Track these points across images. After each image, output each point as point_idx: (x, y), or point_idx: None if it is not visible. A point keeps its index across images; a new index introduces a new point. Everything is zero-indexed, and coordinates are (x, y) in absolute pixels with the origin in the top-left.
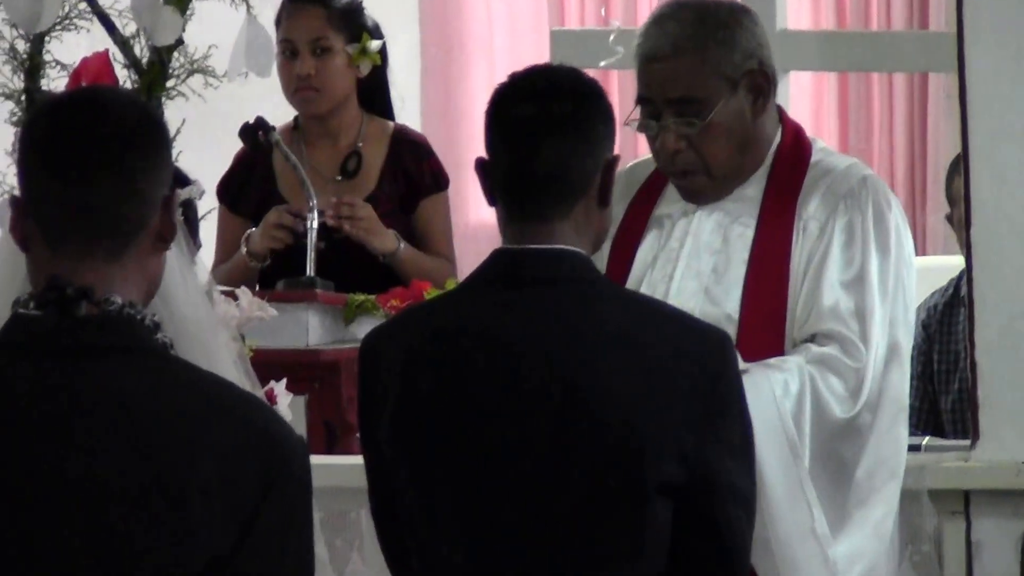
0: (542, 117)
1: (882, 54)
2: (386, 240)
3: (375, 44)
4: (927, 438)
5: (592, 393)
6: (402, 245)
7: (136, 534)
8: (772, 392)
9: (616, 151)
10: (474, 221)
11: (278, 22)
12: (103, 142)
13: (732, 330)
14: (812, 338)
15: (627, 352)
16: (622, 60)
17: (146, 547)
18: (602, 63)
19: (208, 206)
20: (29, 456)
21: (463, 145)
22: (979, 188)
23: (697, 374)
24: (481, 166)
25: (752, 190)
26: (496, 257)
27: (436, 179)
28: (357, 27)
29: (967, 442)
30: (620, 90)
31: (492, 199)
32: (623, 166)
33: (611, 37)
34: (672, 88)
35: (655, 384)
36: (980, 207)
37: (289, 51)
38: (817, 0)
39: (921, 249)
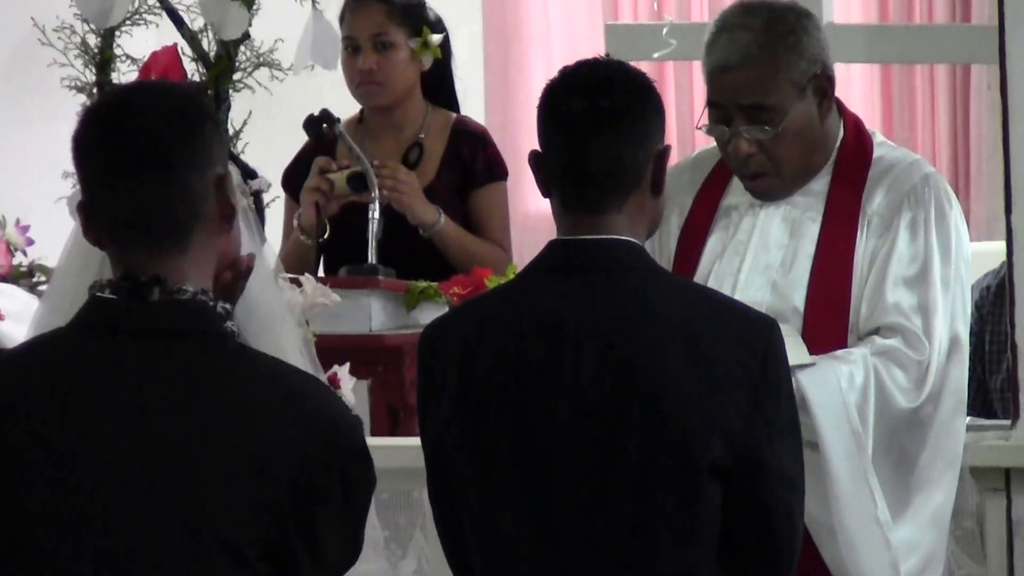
0: (595, 112)
1: (926, 46)
2: (427, 211)
3: (436, 38)
4: (968, 418)
5: (645, 377)
6: (443, 219)
7: (202, 508)
8: (838, 383)
9: (669, 142)
10: (533, 211)
11: (341, 18)
12: (138, 149)
13: (797, 323)
14: (876, 331)
15: (678, 337)
16: (675, 52)
17: (210, 520)
18: (656, 55)
19: (273, 197)
20: (102, 432)
21: (523, 136)
22: (1020, 175)
23: (746, 359)
24: (535, 159)
25: (819, 185)
26: (551, 247)
27: (491, 169)
28: (418, 21)
29: (1007, 421)
30: (675, 82)
31: (546, 191)
32: (685, 157)
33: (664, 30)
34: (745, 96)
35: (705, 368)
36: (1021, 194)
37: (351, 47)
38: None
39: None
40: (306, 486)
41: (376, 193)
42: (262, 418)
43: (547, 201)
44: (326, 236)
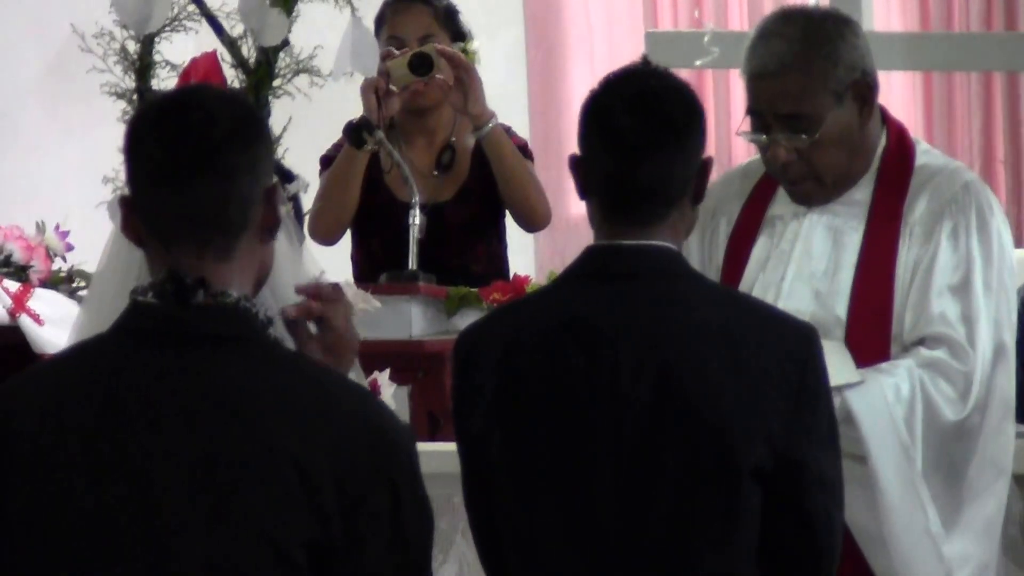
0: (645, 128)
1: (966, 54)
2: (485, 108)
3: (476, 44)
4: None
5: (684, 381)
6: (495, 121)
7: (245, 511)
8: (884, 396)
9: (708, 149)
10: (576, 214)
11: (381, 21)
12: (200, 148)
13: (840, 332)
14: (921, 342)
15: (717, 342)
16: (716, 60)
17: (255, 527)
18: (697, 62)
19: (305, 205)
20: (150, 437)
21: (565, 141)
22: None
23: (785, 365)
24: (574, 163)
25: (861, 193)
26: (589, 253)
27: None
28: (458, 27)
29: None
30: (715, 90)
31: (584, 194)
32: (734, 166)
33: (705, 38)
34: (781, 104)
35: (744, 373)
36: None
37: (398, 47)
38: (903, 2)
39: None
40: (352, 493)
41: (417, 198)
42: (309, 425)
43: None
44: (377, 145)
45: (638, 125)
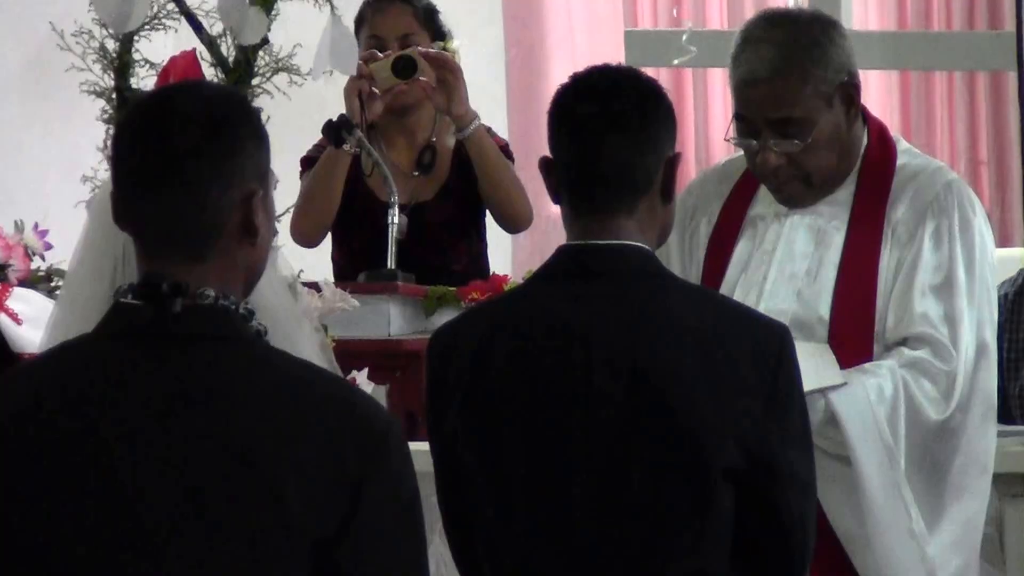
0: (605, 116)
1: (944, 53)
2: (468, 109)
3: (456, 44)
4: None
5: (656, 381)
6: (478, 122)
7: (234, 516)
8: (867, 397)
9: (688, 149)
10: (555, 213)
11: (361, 20)
12: (163, 158)
13: (823, 331)
14: (903, 342)
15: (690, 342)
16: (695, 59)
17: (245, 529)
18: (675, 61)
19: (283, 203)
20: (132, 439)
21: (545, 140)
22: None
23: (758, 364)
24: (545, 164)
25: (843, 194)
26: (561, 253)
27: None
28: (438, 26)
29: None
30: (694, 88)
31: (557, 197)
32: (712, 165)
33: (684, 37)
34: (772, 110)
35: (717, 373)
36: None
37: (378, 47)
38: (881, 1)
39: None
40: (345, 487)
41: (396, 197)
42: (297, 421)
43: None
44: (356, 147)
45: (597, 110)
